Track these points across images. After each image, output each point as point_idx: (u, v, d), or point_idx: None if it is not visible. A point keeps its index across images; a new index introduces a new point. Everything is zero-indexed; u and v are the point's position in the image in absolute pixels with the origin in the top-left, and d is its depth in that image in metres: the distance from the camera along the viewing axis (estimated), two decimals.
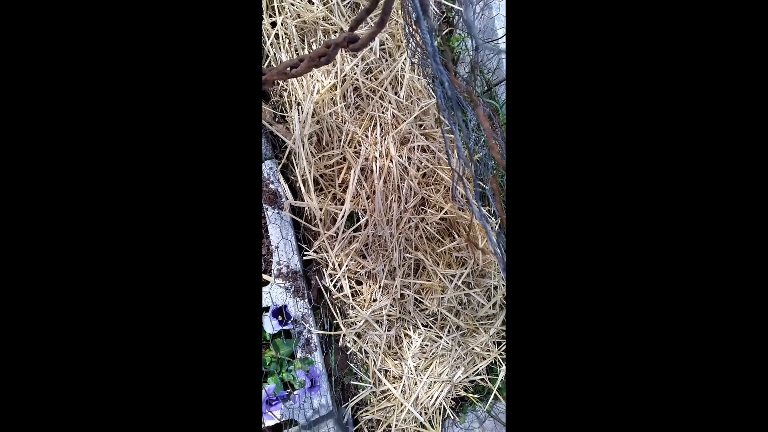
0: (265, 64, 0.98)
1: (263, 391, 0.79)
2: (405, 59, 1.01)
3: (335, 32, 1.00)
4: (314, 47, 0.99)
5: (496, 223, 1.01)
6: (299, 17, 0.97)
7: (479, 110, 0.32)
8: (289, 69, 0.43)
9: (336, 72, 0.97)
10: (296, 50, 0.99)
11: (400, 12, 1.03)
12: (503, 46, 1.06)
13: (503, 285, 1.03)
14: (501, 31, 1.06)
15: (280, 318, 0.82)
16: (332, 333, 0.95)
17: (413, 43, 0.77)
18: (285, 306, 0.84)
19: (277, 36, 0.95)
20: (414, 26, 0.72)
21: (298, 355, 0.89)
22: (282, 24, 0.95)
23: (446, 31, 1.13)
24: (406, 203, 1.00)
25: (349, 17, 1.01)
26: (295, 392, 0.85)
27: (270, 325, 0.81)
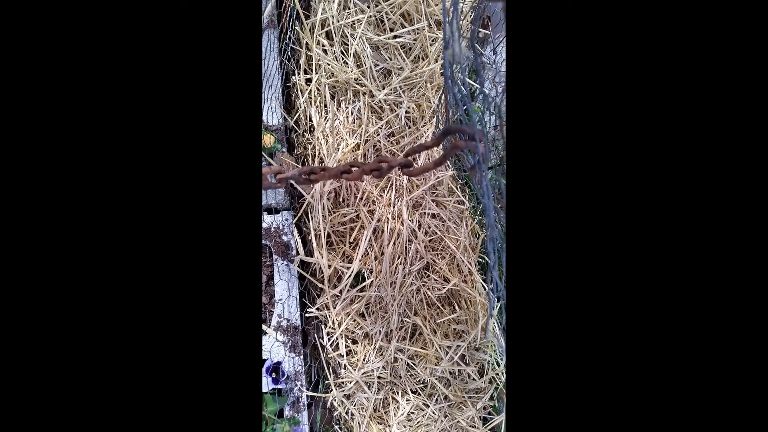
0: (293, 119, 1.01)
1: None
2: (429, 131, 1.05)
3: (364, 93, 1.04)
4: (343, 106, 1.02)
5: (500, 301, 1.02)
6: (333, 76, 1.00)
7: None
8: (341, 173, 0.45)
9: (360, 132, 1.00)
10: (325, 106, 1.02)
11: (430, 84, 1.08)
12: None
13: (496, 362, 1.03)
14: None
15: (273, 376, 0.81)
16: (323, 395, 0.93)
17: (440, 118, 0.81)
18: (279, 363, 0.83)
19: (310, 92, 0.98)
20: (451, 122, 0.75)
21: (286, 412, 0.87)
22: (316, 81, 0.98)
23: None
24: (411, 266, 1.01)
25: (380, 81, 1.05)
26: None
27: (264, 382, 0.79)
